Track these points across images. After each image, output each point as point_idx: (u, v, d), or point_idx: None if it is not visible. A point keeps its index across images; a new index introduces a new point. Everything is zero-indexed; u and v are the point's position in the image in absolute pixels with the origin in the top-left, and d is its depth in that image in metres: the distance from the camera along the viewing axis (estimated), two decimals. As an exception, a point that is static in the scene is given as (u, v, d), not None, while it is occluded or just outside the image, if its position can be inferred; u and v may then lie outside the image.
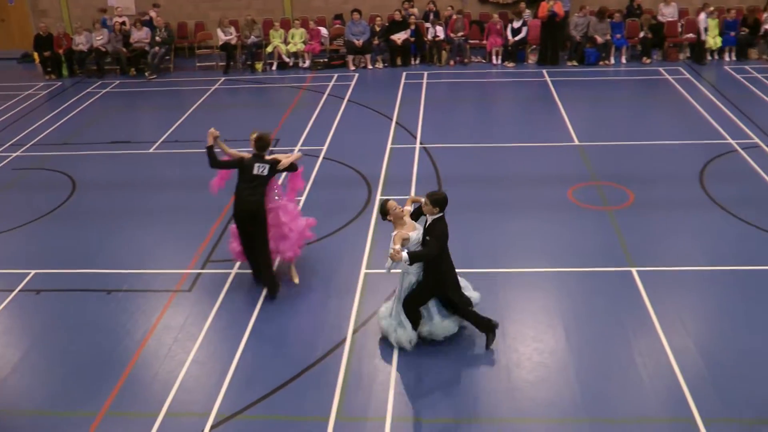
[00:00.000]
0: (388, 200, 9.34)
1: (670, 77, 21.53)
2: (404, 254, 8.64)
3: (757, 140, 16.41)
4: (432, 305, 9.46)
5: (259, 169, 10.34)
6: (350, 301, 10.47)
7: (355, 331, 9.82)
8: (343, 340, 9.63)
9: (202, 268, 11.60)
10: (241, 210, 10.38)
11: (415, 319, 9.40)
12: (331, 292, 10.72)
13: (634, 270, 11.19)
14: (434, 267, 9.14)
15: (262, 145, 10.54)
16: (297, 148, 16.04)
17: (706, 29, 23.08)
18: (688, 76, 21.65)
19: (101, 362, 9.46)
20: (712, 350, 9.49)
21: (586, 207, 13.33)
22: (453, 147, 16.18)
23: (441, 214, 9.04)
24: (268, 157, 10.57)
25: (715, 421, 8.25)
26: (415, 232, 9.24)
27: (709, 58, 23.36)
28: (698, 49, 23.20)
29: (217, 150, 10.64)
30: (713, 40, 23.13)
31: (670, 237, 12.34)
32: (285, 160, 10.60)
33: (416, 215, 9.48)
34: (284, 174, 11.18)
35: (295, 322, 10.08)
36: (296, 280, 10.97)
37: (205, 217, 13.03)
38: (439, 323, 9.47)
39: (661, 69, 22.42)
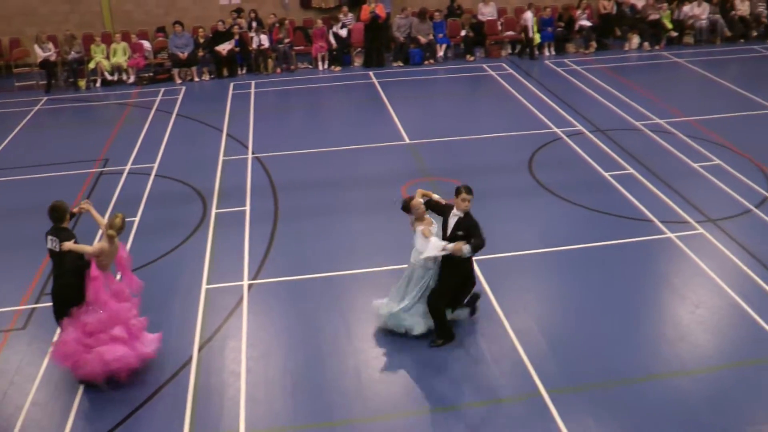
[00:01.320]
0: (412, 198, 9.42)
1: (493, 73, 22.30)
2: (466, 247, 8.91)
3: (580, 127, 17.26)
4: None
5: (52, 243, 8.87)
6: (193, 319, 10.27)
7: (200, 348, 9.64)
8: (190, 359, 9.45)
9: (36, 303, 10.98)
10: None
11: (441, 316, 9.53)
12: (173, 311, 10.45)
13: (472, 259, 11.50)
14: (465, 263, 9.37)
15: (56, 216, 8.94)
16: (127, 168, 15.64)
17: (532, 27, 24.02)
18: (511, 71, 22.48)
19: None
20: (550, 327, 10.01)
21: (421, 203, 13.60)
22: (286, 154, 16.16)
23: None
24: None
25: (558, 391, 8.72)
26: (434, 226, 9.43)
27: (528, 52, 24.31)
28: (528, 46, 24.13)
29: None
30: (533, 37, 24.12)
31: (504, 225, 12.75)
32: (68, 243, 8.76)
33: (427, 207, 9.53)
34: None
35: (137, 346, 9.76)
36: None
37: (36, 248, 12.16)
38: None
39: (484, 66, 23.20)
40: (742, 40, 25.62)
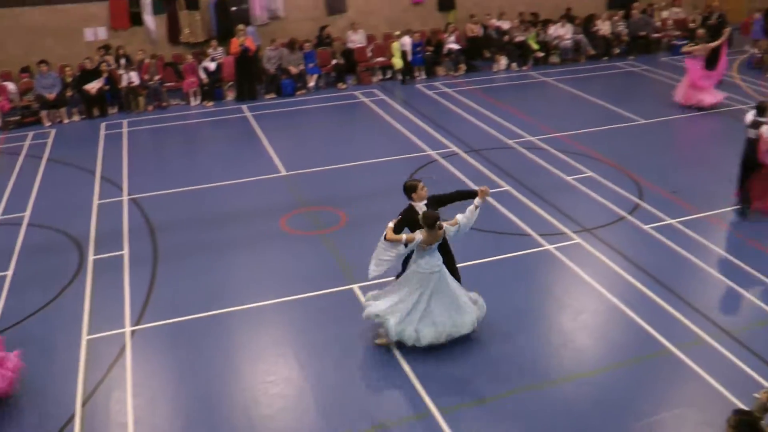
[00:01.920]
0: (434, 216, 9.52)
1: (366, 100, 22.50)
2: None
3: (454, 148, 17.62)
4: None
5: None
6: (74, 373, 9.90)
7: (84, 403, 9.33)
8: (72, 416, 9.12)
9: None
10: None
11: None
12: (54, 367, 10.07)
13: (355, 286, 11.62)
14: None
15: None
16: (-4, 218, 15.11)
17: (410, 51, 24.37)
18: (382, 97, 22.73)
19: None
20: (437, 345, 10.02)
21: (301, 234, 13.64)
22: (163, 194, 15.84)
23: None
24: None
25: (450, 409, 8.89)
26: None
27: (400, 77, 24.68)
28: (408, 70, 24.46)
29: None
30: (402, 62, 24.41)
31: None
32: None
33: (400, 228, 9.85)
34: None
35: (14, 410, 9.25)
36: None
37: None
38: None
39: (356, 93, 23.35)
40: (605, 58, 26.81)
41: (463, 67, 25.27)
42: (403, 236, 9.49)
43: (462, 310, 9.94)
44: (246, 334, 10.69)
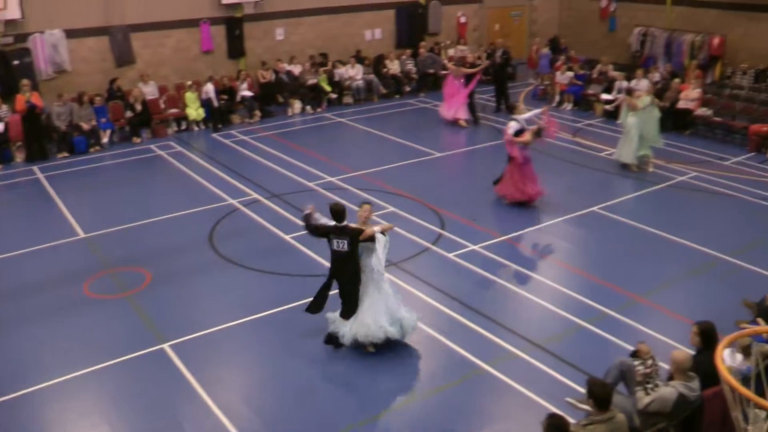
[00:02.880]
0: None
1: (162, 153, 22.07)
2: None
3: (255, 195, 17.72)
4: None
5: None
6: None
7: None
8: None
9: None
10: None
11: None
12: None
13: (166, 346, 11.46)
14: None
15: None
16: None
17: (214, 98, 24.35)
18: (179, 149, 22.39)
19: None
20: (254, 395, 10.27)
21: (105, 297, 13.22)
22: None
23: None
24: None
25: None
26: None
27: (195, 128, 24.44)
28: (216, 118, 24.41)
29: None
30: (196, 112, 24.26)
31: (195, 304, 12.83)
32: None
33: None
34: None
35: None
36: None
37: None
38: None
39: (152, 146, 22.82)
40: (397, 96, 27.94)
41: (258, 113, 25.37)
42: (375, 229, 10.85)
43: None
44: (55, 410, 10.23)
